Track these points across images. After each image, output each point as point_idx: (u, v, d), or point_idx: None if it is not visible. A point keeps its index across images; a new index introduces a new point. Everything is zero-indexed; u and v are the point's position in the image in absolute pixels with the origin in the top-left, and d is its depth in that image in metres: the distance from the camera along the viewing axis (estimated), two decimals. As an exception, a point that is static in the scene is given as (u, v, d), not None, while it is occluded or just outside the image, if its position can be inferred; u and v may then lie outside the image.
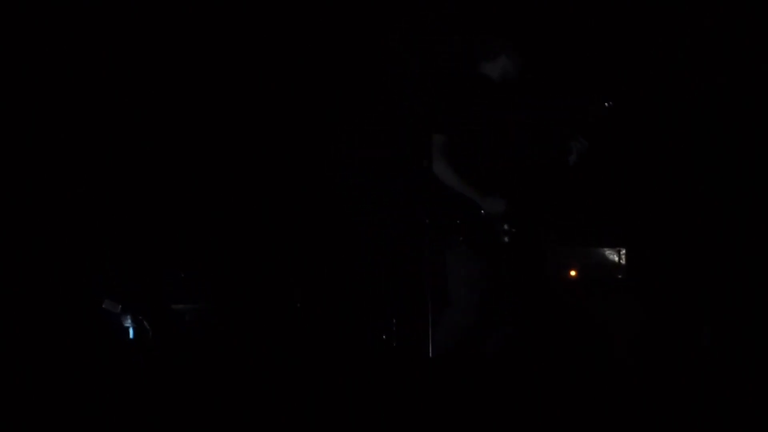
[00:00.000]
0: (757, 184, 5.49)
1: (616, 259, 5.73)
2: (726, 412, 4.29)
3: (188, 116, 5.72)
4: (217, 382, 4.80)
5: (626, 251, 5.71)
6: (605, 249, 5.74)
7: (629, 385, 5.02)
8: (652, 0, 5.55)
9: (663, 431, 4.15)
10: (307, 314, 5.74)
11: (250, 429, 4.19)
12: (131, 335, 5.12)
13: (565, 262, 5.73)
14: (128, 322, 5.12)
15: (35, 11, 5.30)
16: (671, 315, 5.48)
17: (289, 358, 5.24)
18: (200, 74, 5.66)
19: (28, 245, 5.28)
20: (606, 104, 4.30)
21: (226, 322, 5.46)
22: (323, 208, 5.90)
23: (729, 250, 5.54)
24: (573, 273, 5.74)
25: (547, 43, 4.50)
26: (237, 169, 5.83)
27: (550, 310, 5.43)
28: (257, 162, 5.83)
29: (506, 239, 4.26)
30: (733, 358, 5.16)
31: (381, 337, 5.43)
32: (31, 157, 5.36)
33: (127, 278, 5.26)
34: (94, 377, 4.70)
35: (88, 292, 5.19)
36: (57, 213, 5.42)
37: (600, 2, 5.58)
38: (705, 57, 5.53)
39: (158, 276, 5.44)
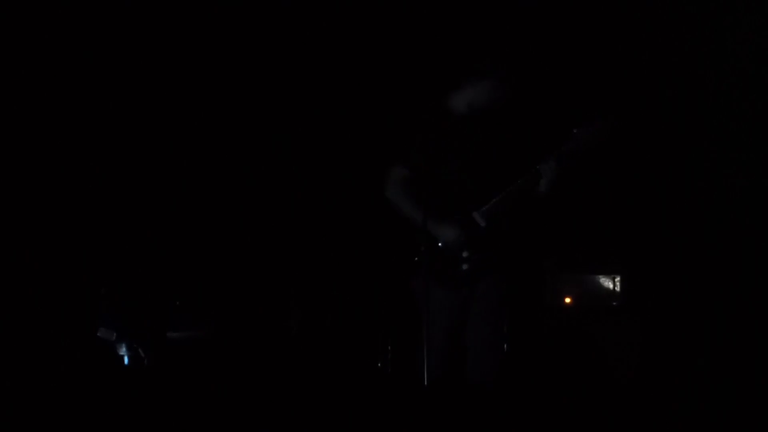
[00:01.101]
0: (749, 212, 5.49)
1: (611, 286, 5.72)
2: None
3: (180, 141, 5.76)
4: (212, 409, 4.83)
5: (621, 278, 5.70)
6: (600, 276, 5.74)
7: (625, 413, 5.02)
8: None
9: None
10: (303, 340, 5.74)
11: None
12: (126, 363, 5.09)
13: (560, 289, 5.73)
14: (123, 350, 5.10)
15: (35, 11, 5.33)
16: (667, 341, 5.48)
17: (285, 383, 5.24)
18: (196, 85, 5.70)
19: (25, 271, 5.28)
20: (574, 131, 4.29)
21: (223, 348, 5.46)
22: (320, 232, 5.89)
23: (725, 276, 5.54)
24: (568, 300, 5.73)
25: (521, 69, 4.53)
26: (230, 197, 5.85)
27: (545, 336, 5.51)
28: (250, 187, 5.85)
29: (465, 267, 4.29)
30: (729, 383, 5.16)
31: (375, 365, 5.43)
32: (26, 176, 5.38)
33: (122, 306, 5.24)
34: (89, 403, 4.72)
35: (84, 319, 5.17)
36: (52, 241, 5.43)
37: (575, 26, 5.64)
38: (699, 77, 5.57)
39: (154, 303, 5.41)
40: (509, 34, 5.47)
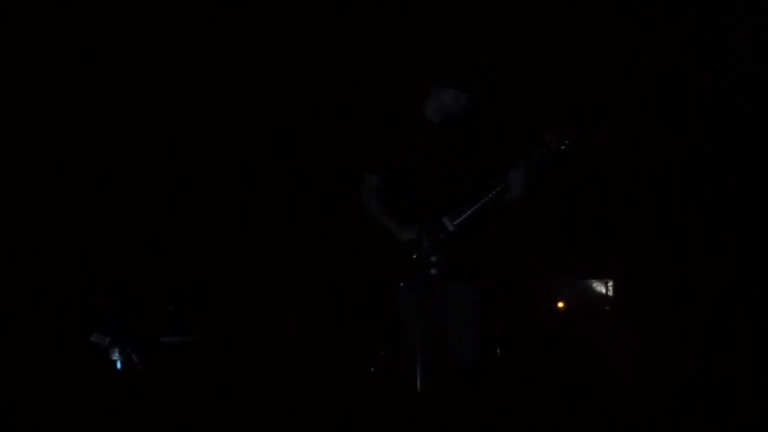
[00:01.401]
0: (744, 214, 5.49)
1: (604, 290, 5.70)
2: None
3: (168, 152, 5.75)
4: (207, 415, 4.86)
5: (613, 283, 5.68)
6: (592, 280, 5.71)
7: (620, 418, 5.02)
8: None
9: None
10: (298, 347, 5.73)
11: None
12: (119, 367, 5.08)
13: (552, 294, 5.71)
14: (116, 355, 5.09)
15: (35, 11, 5.34)
16: (660, 347, 5.46)
17: (280, 390, 5.26)
18: (193, 86, 5.71)
19: (24, 272, 5.29)
20: (566, 141, 4.24)
21: (217, 354, 5.44)
22: (313, 238, 5.89)
23: (720, 279, 5.53)
24: (560, 305, 5.71)
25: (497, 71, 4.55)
26: (226, 200, 5.84)
27: (538, 341, 5.50)
28: (246, 190, 5.85)
29: (433, 271, 4.28)
30: (722, 392, 5.16)
31: (369, 369, 5.40)
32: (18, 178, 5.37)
33: (115, 310, 5.21)
34: (81, 408, 4.76)
35: (78, 324, 5.17)
36: (51, 243, 5.43)
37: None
38: (686, 86, 5.57)
39: (147, 309, 5.40)
40: (481, 38, 5.49)
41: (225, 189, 5.83)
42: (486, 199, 4.26)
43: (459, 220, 4.28)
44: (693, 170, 5.64)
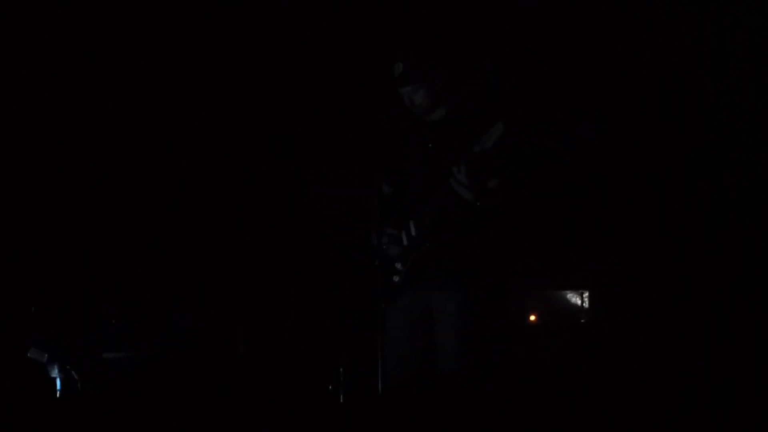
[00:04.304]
0: (728, 219, 5.41)
1: (579, 302, 5.65)
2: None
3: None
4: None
5: (589, 294, 5.63)
6: (567, 291, 5.68)
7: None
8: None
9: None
10: (250, 361, 5.67)
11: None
12: (59, 386, 4.97)
13: (524, 305, 5.64)
14: (55, 372, 4.98)
15: (35, 11, 5.44)
16: (638, 362, 5.30)
17: (231, 411, 5.10)
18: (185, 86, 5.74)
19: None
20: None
21: (160, 370, 5.31)
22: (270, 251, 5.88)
23: (700, 292, 5.43)
24: (532, 317, 5.65)
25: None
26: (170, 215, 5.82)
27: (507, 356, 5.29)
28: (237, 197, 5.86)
29: (396, 279, 4.29)
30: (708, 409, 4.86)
31: (327, 388, 5.26)
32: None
33: (54, 325, 5.16)
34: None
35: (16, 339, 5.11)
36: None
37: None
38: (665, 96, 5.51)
39: (88, 323, 5.30)
40: (481, 38, 5.48)
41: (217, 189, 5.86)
42: (440, 198, 4.20)
43: (419, 223, 4.26)
44: (677, 171, 5.58)
